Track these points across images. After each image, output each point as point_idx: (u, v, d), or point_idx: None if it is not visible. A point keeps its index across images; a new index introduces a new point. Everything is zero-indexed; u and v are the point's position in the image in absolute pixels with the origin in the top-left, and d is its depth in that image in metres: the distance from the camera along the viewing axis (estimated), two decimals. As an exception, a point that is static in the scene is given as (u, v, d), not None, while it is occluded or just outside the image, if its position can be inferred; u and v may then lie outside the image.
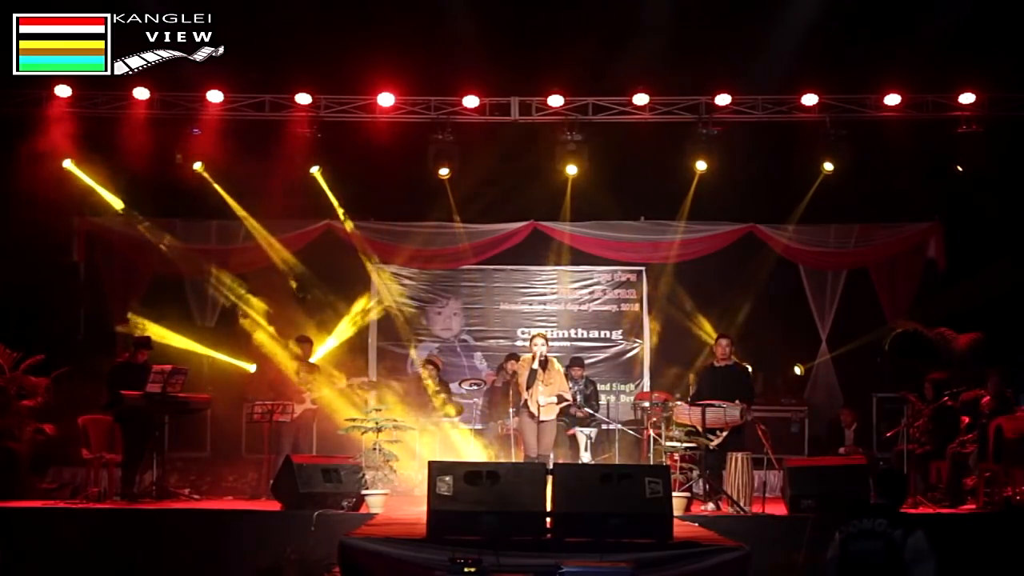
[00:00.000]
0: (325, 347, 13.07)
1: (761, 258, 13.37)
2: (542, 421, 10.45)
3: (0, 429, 11.17)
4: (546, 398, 10.37)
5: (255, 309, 12.88)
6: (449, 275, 13.90)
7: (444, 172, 12.46)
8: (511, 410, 10.96)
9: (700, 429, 10.20)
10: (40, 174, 12.16)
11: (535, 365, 10.40)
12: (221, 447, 12.34)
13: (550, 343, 13.31)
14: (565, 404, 10.80)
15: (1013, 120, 12.07)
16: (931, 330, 12.33)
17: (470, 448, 11.83)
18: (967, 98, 12.01)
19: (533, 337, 10.82)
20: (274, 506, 9.64)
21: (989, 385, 10.85)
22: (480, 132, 12.54)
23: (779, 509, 9.88)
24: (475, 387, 12.65)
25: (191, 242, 13.24)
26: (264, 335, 12.56)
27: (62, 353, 11.96)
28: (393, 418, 10.69)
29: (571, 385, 11.83)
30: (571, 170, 12.50)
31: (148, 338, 11.35)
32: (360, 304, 13.57)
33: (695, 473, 10.52)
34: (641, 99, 12.22)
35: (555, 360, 10.85)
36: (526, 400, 10.45)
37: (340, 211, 13.14)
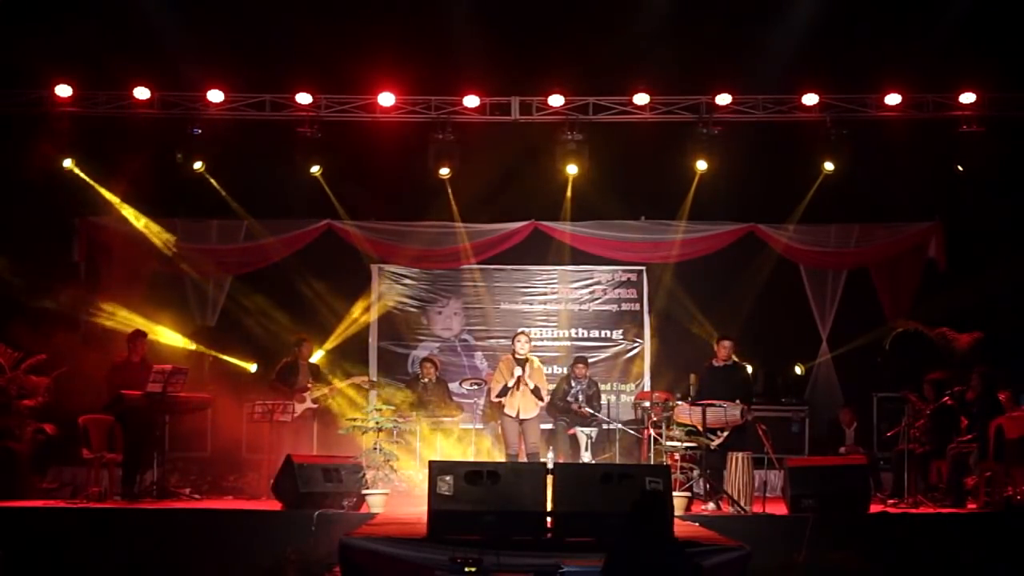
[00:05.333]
0: (325, 347, 13.08)
1: (761, 258, 13.36)
2: (524, 420, 10.62)
3: (0, 429, 11.17)
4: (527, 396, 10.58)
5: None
6: (449, 275, 13.88)
7: (444, 172, 12.46)
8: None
9: (701, 429, 10.21)
10: (40, 174, 12.16)
11: (518, 371, 10.55)
12: (221, 447, 12.32)
13: (552, 343, 13.50)
14: (544, 403, 10.95)
15: (1013, 120, 12.06)
16: (932, 330, 12.33)
17: (470, 448, 11.83)
18: (968, 98, 12.01)
19: (517, 335, 10.92)
20: (274, 506, 9.64)
21: (973, 384, 10.87)
22: (480, 132, 12.54)
23: (779, 509, 9.89)
24: (475, 387, 12.65)
25: (191, 242, 13.23)
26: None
27: (62, 353, 11.96)
28: (393, 418, 10.72)
29: (574, 384, 11.87)
30: (571, 170, 12.50)
31: (139, 331, 11.37)
32: (360, 304, 13.56)
33: (695, 473, 10.52)
34: (641, 99, 12.22)
35: (535, 359, 10.98)
36: (501, 404, 10.72)
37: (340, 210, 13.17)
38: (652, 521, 6.30)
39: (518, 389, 10.68)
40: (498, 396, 10.79)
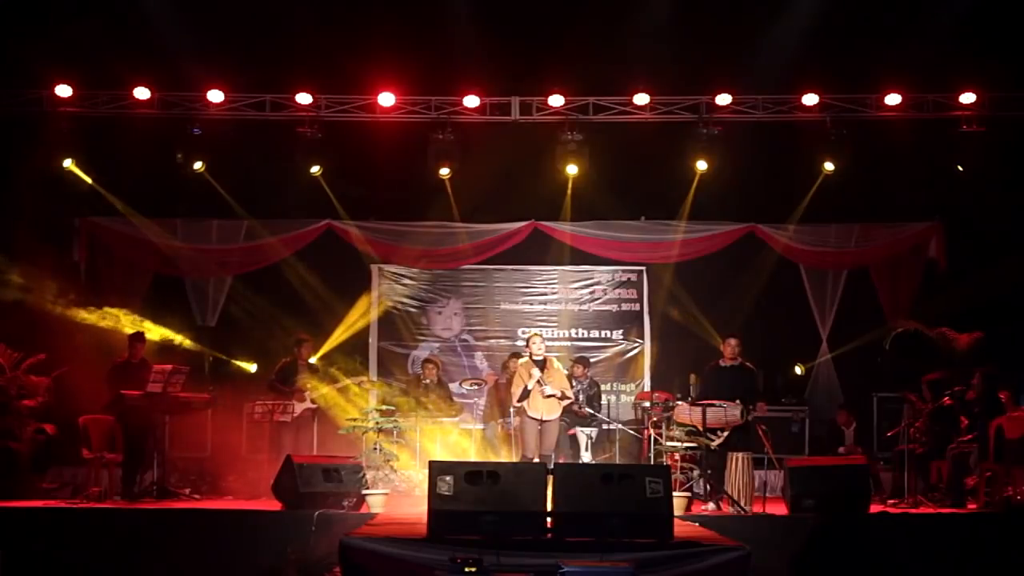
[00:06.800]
0: (325, 347, 13.08)
1: (761, 258, 13.36)
2: (545, 421, 10.55)
3: (0, 429, 11.17)
4: (549, 395, 10.45)
5: None
6: (450, 275, 13.88)
7: (444, 172, 12.46)
8: (511, 409, 10.99)
9: (701, 429, 10.21)
10: (40, 174, 12.17)
11: (536, 372, 10.48)
12: (221, 447, 12.32)
13: (552, 343, 13.49)
14: (568, 402, 10.83)
15: (1013, 120, 12.06)
16: (932, 330, 12.32)
17: (470, 448, 11.83)
18: (968, 98, 12.01)
19: (531, 337, 10.87)
20: (274, 506, 9.63)
21: (975, 384, 10.87)
22: (480, 132, 12.54)
23: (780, 509, 9.88)
24: (475, 387, 12.65)
25: (191, 242, 13.24)
26: None
27: (62, 353, 11.97)
28: (393, 418, 10.71)
29: (574, 384, 11.86)
30: (571, 170, 12.50)
31: (139, 332, 11.39)
32: (360, 304, 13.56)
33: (695, 473, 10.52)
34: (641, 99, 12.22)
35: (554, 359, 10.91)
36: (523, 407, 10.58)
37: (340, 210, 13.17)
38: (853, 514, 6.40)
39: (544, 395, 10.59)
40: (519, 400, 10.66)
